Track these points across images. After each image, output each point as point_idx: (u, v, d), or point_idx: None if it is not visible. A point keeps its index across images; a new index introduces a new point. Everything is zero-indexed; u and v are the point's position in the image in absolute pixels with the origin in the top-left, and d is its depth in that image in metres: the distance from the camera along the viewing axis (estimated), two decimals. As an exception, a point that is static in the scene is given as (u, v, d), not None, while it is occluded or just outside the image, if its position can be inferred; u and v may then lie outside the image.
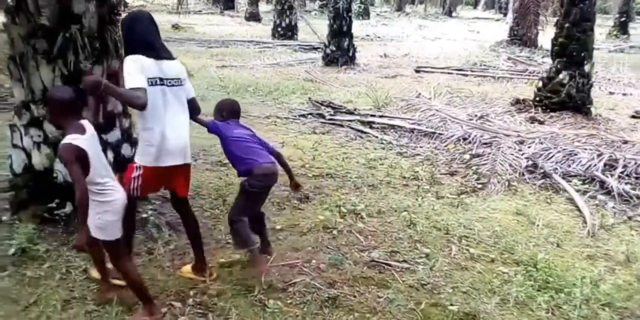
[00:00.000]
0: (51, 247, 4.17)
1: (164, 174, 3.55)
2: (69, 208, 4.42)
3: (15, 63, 4.48)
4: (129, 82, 3.22)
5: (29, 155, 4.47)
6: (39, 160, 4.43)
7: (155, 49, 3.43)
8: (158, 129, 3.40)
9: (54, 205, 4.37)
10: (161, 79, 3.38)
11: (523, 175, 6.31)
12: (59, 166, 4.40)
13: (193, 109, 3.73)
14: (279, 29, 20.96)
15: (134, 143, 4.75)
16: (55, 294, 3.59)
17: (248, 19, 28.57)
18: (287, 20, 20.93)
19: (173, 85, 3.46)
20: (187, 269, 3.92)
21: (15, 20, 4.36)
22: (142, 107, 3.19)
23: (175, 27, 22.26)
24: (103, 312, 3.43)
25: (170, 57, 3.52)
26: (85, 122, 3.14)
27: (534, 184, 6.11)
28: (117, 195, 3.17)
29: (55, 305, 3.44)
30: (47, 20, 4.26)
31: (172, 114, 3.47)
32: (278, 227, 4.75)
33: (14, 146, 4.57)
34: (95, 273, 3.73)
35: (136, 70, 3.25)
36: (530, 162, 6.56)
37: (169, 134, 3.43)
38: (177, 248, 4.30)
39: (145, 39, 3.44)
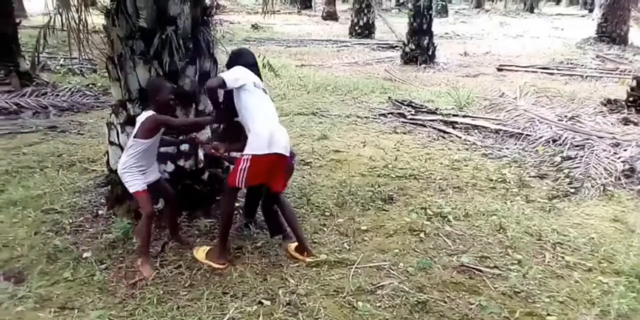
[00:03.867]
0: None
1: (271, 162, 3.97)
2: (161, 204, 4.55)
3: (113, 63, 4.66)
4: None
5: (125, 153, 4.62)
6: (134, 157, 4.57)
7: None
8: (266, 120, 3.98)
9: (147, 201, 4.51)
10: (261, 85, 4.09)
11: (619, 179, 5.97)
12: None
13: None
14: (357, 28, 20.90)
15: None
16: (151, 287, 3.70)
17: (325, 18, 28.67)
18: (365, 19, 20.84)
19: (266, 93, 4.12)
20: (292, 248, 4.24)
21: (115, 23, 4.51)
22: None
23: (255, 26, 22.65)
24: (195, 307, 3.50)
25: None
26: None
27: (632, 189, 5.77)
28: None
29: (151, 299, 3.55)
30: (144, 22, 4.40)
31: (273, 112, 4.08)
32: (363, 227, 4.71)
33: (111, 143, 4.75)
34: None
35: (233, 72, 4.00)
36: (627, 166, 6.21)
37: (276, 127, 4.01)
38: (264, 246, 4.33)
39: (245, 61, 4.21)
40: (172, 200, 4.28)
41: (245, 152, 3.88)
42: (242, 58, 4.22)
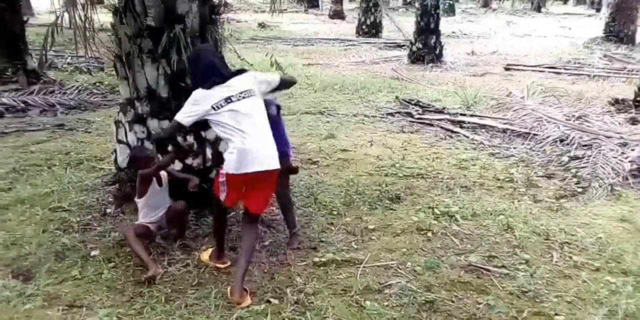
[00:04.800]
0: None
1: (247, 180, 3.60)
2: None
3: (121, 62, 4.67)
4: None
5: (133, 151, 4.64)
6: (142, 155, 4.58)
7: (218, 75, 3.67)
8: (236, 140, 3.54)
9: (155, 199, 4.52)
10: (227, 99, 3.56)
11: (627, 179, 5.94)
12: (160, 161, 4.55)
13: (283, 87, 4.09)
14: (364, 27, 20.84)
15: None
16: (159, 285, 3.72)
17: (332, 16, 28.61)
18: (372, 18, 20.77)
19: (243, 98, 3.61)
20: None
21: (123, 21, 4.53)
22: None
23: (262, 25, 22.66)
24: (203, 306, 3.51)
25: (235, 74, 3.73)
26: None
27: (639, 189, 5.75)
28: None
29: (159, 297, 3.56)
30: (152, 20, 4.41)
31: (247, 125, 3.57)
32: (371, 226, 4.71)
33: (119, 142, 4.76)
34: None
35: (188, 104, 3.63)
36: (634, 166, 6.17)
37: (248, 144, 3.52)
38: (272, 244, 4.34)
39: (206, 69, 3.69)
40: (180, 218, 4.36)
41: (223, 167, 3.65)
42: (199, 64, 3.76)
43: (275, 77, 3.91)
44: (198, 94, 3.59)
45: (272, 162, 3.61)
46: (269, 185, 3.74)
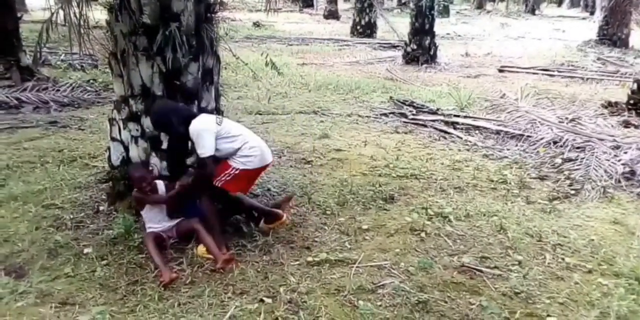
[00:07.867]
0: (146, 238, 4.32)
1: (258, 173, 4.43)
2: (163, 200, 4.54)
3: (116, 59, 4.64)
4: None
5: (126, 149, 4.63)
6: (136, 153, 4.57)
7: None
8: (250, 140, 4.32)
9: (149, 197, 4.50)
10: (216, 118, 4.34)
11: (619, 182, 5.97)
12: (154, 160, 4.54)
13: None
14: (358, 27, 20.88)
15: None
16: (152, 284, 3.71)
17: (327, 16, 28.65)
18: (367, 18, 20.81)
19: None
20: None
21: (118, 18, 4.50)
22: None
23: (257, 24, 22.65)
24: (196, 304, 3.50)
25: None
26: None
27: (632, 192, 5.77)
28: None
29: (152, 295, 3.55)
30: (148, 18, 4.38)
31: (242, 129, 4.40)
32: (364, 227, 4.71)
33: (113, 139, 4.74)
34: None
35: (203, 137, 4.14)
36: (627, 169, 6.21)
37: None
38: (264, 244, 4.33)
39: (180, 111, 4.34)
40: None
41: (235, 165, 4.16)
42: (172, 112, 4.26)
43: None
44: (198, 126, 4.08)
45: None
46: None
